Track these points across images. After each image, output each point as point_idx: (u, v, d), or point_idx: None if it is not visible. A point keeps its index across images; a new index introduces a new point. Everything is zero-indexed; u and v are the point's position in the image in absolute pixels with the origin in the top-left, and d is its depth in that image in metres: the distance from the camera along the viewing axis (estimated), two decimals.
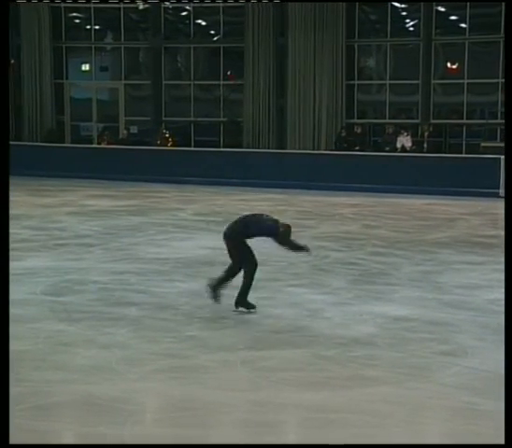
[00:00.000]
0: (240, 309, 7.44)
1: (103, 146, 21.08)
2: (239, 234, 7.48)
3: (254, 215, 7.82)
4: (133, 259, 10.04)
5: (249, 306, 7.46)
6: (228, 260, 9.94)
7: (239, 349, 6.42)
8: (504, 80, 19.31)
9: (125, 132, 21.60)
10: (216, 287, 7.56)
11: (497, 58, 19.28)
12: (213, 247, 10.85)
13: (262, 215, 7.73)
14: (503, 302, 7.95)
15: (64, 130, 22.35)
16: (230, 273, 7.56)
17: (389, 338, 6.76)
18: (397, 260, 10.13)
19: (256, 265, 7.48)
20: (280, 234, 7.38)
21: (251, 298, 8.07)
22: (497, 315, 7.53)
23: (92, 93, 22.63)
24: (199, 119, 22.01)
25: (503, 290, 8.48)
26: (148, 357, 6.18)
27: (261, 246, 10.95)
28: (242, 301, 7.45)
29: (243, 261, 7.48)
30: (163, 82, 22.17)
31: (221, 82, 21.95)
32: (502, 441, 4.78)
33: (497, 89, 19.47)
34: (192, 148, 20.89)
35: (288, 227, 7.44)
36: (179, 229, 12.53)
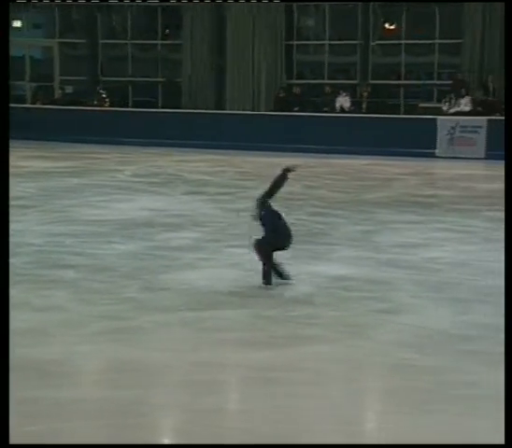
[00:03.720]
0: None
1: (37, 105, 20.52)
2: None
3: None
4: (70, 221, 9.85)
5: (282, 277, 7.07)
6: (167, 221, 9.89)
7: (179, 310, 6.36)
8: (441, 42, 19.38)
9: (60, 91, 21.06)
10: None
11: (433, 19, 19.29)
12: (152, 209, 10.74)
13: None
14: (441, 260, 8.09)
15: None
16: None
17: (327, 297, 6.79)
18: (336, 220, 10.15)
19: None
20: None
21: (190, 259, 8.02)
22: (434, 272, 7.63)
23: (25, 51, 21.91)
24: (137, 79, 21.57)
25: (441, 249, 8.62)
26: (85, 319, 6.08)
27: (203, 207, 10.90)
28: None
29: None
30: (100, 41, 21.62)
31: (159, 41, 21.51)
32: (439, 393, 4.86)
33: (433, 50, 19.53)
34: (130, 109, 20.51)
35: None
36: (118, 190, 12.34)
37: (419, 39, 19.71)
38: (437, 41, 19.44)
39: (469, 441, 4.28)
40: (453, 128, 16.95)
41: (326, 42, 20.59)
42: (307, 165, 15.83)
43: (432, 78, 19.72)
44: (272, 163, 16.15)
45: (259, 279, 7.27)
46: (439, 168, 16.21)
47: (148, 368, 5.21)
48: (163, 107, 20.46)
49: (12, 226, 9.33)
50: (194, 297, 6.73)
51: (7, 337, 4.49)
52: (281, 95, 19.46)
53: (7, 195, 5.31)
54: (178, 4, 20.51)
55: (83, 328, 5.89)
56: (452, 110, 17.72)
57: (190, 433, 4.38)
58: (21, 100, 21.50)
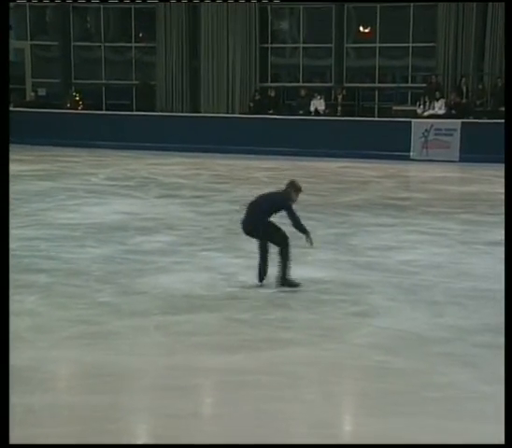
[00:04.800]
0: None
1: (9, 108, 20.36)
2: (259, 221, 7.24)
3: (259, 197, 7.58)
4: (42, 224, 9.79)
5: (293, 284, 7.09)
6: (141, 225, 9.86)
7: (153, 314, 6.35)
8: (415, 45, 19.55)
9: (33, 94, 20.94)
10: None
11: (408, 22, 19.44)
12: (126, 212, 10.71)
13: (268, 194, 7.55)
14: (416, 263, 8.14)
15: None
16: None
17: (303, 300, 6.80)
18: (311, 223, 10.08)
19: (287, 240, 7.16)
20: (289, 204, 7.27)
21: (165, 262, 8.00)
22: (409, 275, 7.67)
23: None
24: (111, 82, 21.51)
25: (415, 251, 8.67)
26: (58, 324, 6.05)
27: (177, 211, 10.88)
28: (284, 280, 7.08)
29: (275, 240, 7.15)
30: (73, 43, 21.53)
31: (133, 44, 21.47)
32: (415, 395, 4.89)
33: (408, 53, 19.68)
34: (104, 112, 20.43)
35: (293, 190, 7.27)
36: (91, 194, 12.28)
37: (394, 42, 19.84)
38: (411, 44, 19.59)
39: (442, 441, 4.31)
40: (427, 131, 17.07)
41: (300, 45, 20.66)
42: (282, 168, 15.89)
43: (406, 81, 19.85)
44: (246, 166, 16.19)
45: (233, 282, 7.28)
46: (413, 171, 16.31)
47: (122, 372, 5.20)
48: (137, 110, 20.40)
49: None
50: (169, 301, 6.71)
51: (7, 338, 4.44)
52: (257, 98, 19.50)
53: (8, 198, 5.22)
54: (152, 5, 20.47)
55: (56, 332, 5.86)
56: (426, 113, 17.85)
57: (165, 437, 4.37)
58: None
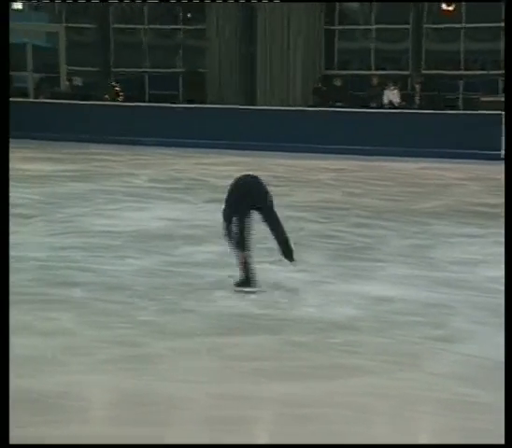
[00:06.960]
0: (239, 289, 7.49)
1: (41, 100, 20.79)
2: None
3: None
4: (78, 232, 9.97)
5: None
6: (189, 233, 9.97)
7: (202, 335, 6.43)
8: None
9: (68, 84, 21.34)
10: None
11: None
12: (172, 218, 10.85)
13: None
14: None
15: None
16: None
17: (373, 321, 6.81)
18: (384, 233, 10.17)
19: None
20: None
21: (215, 276, 8.08)
22: (499, 294, 7.59)
23: (27, 37, 22.18)
24: (154, 70, 21.78)
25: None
26: (96, 345, 6.16)
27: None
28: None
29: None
30: (112, 26, 21.88)
31: (180, 27, 21.72)
32: (502, 436, 4.85)
33: (499, 34, 19.47)
34: (147, 104, 20.71)
35: None
36: (132, 197, 12.46)
37: (482, 22, 19.68)
38: (504, 24, 19.40)
39: None
40: None
41: (372, 27, 20.65)
42: (350, 169, 15.90)
43: (497, 68, 19.67)
44: (309, 167, 16.23)
45: (294, 299, 7.32)
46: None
47: (166, 402, 5.27)
48: (184, 102, 20.63)
49: (10, 238, 9.47)
50: (220, 320, 6.78)
51: (7, 333, 4.51)
52: (321, 88, 19.54)
53: (7, 201, 5.41)
54: None
55: (92, 355, 5.97)
56: None
57: None
58: (23, 93, 21.80)
